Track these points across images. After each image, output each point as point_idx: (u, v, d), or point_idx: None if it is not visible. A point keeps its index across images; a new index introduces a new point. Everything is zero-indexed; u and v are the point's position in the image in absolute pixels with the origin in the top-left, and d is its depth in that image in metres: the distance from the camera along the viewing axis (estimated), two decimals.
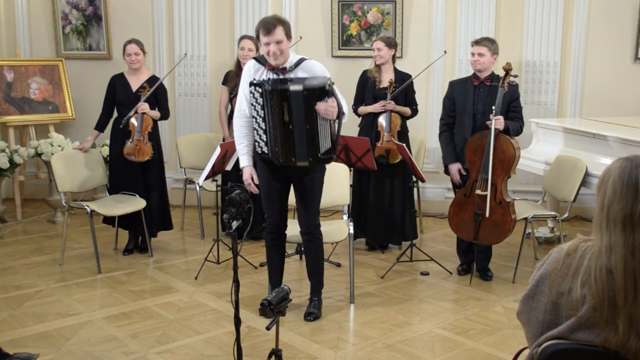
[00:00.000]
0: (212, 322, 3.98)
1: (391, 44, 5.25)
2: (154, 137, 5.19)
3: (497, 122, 4.35)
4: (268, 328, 2.71)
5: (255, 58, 3.94)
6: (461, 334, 3.84)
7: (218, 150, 4.64)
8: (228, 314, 4.05)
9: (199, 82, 6.74)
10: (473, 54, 4.59)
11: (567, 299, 1.82)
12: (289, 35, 3.75)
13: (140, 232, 5.27)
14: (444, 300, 4.39)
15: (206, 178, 4.71)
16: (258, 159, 3.97)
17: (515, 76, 4.56)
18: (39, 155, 6.12)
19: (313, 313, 4.02)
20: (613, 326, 1.76)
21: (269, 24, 3.68)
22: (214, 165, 4.65)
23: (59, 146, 6.07)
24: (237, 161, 4.87)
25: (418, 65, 6.40)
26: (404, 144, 4.84)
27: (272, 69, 3.77)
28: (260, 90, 3.72)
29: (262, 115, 3.75)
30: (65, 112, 6.69)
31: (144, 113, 5.02)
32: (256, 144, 3.86)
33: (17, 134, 6.66)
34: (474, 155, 4.48)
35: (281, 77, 3.75)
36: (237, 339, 2.94)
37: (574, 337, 1.81)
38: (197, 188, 5.79)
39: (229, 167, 4.87)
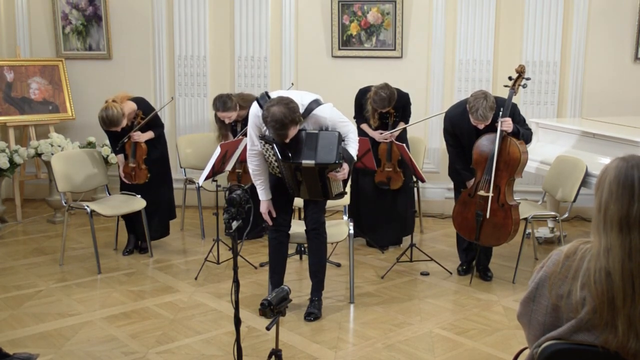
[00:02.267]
0: (212, 322, 3.98)
1: (394, 100, 5.02)
2: (147, 162, 5.20)
3: (504, 124, 4.28)
4: (268, 328, 2.71)
5: (259, 102, 3.77)
6: (461, 334, 3.84)
7: (218, 151, 4.64)
8: (228, 314, 4.04)
9: (199, 82, 6.74)
10: (476, 124, 4.31)
11: (567, 302, 1.81)
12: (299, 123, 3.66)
13: (141, 236, 5.28)
14: (444, 300, 4.38)
15: (206, 178, 4.71)
16: None
17: (528, 79, 4.52)
18: (39, 155, 6.12)
19: (313, 313, 4.02)
20: (612, 328, 1.75)
21: (281, 126, 3.55)
22: (214, 166, 4.66)
23: (59, 146, 6.07)
24: (237, 161, 4.91)
25: (418, 65, 6.42)
26: (404, 144, 4.85)
27: None
28: (272, 150, 3.77)
29: (275, 161, 3.83)
30: (65, 112, 6.69)
31: (136, 142, 5.08)
32: (270, 169, 3.94)
33: (17, 134, 6.66)
34: (480, 156, 4.44)
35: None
36: (237, 339, 2.93)
37: (574, 339, 1.81)
38: (197, 188, 5.79)
39: (229, 167, 4.88)
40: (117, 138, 5.09)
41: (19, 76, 6.52)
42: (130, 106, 5.05)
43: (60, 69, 6.73)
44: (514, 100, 4.47)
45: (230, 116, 5.40)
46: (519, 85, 4.47)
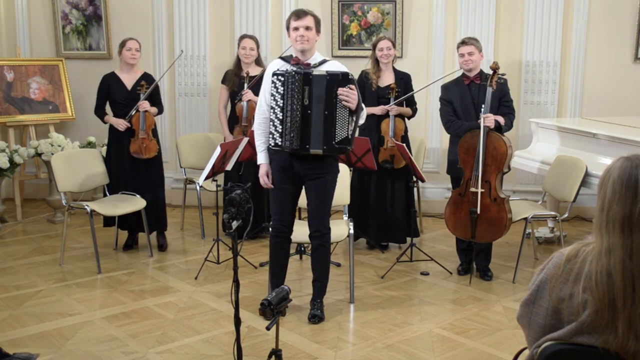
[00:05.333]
0: (212, 322, 3.98)
1: (394, 44, 5.33)
2: (155, 134, 5.23)
3: (486, 120, 4.40)
4: (268, 328, 2.71)
5: (280, 57, 3.99)
6: (461, 334, 3.84)
7: (218, 150, 4.63)
8: (228, 314, 4.04)
9: (199, 82, 6.74)
10: (462, 55, 4.61)
11: (568, 304, 1.80)
12: (318, 29, 3.85)
13: (139, 230, 5.28)
14: (444, 300, 4.38)
15: (206, 178, 4.71)
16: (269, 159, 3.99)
17: (503, 74, 4.59)
18: (39, 155, 6.12)
19: (317, 316, 3.97)
20: (613, 328, 1.75)
21: (301, 11, 3.84)
22: (214, 165, 4.65)
23: (59, 146, 6.07)
24: (237, 161, 4.90)
25: (418, 65, 6.42)
26: (404, 144, 4.85)
27: (297, 63, 3.81)
28: (282, 78, 3.75)
29: (281, 104, 3.76)
30: (65, 112, 6.69)
31: (145, 111, 5.10)
32: (270, 136, 3.83)
33: (17, 134, 6.66)
34: (467, 154, 4.51)
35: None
36: (237, 339, 2.93)
37: (574, 341, 1.80)
38: (197, 188, 5.79)
39: (229, 167, 4.87)
40: (106, 100, 5.19)
41: (19, 76, 6.52)
42: (139, 70, 5.30)
43: (60, 68, 6.73)
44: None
45: (253, 47, 5.47)
46: (495, 81, 4.52)
